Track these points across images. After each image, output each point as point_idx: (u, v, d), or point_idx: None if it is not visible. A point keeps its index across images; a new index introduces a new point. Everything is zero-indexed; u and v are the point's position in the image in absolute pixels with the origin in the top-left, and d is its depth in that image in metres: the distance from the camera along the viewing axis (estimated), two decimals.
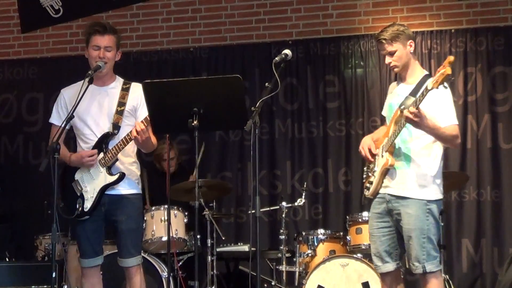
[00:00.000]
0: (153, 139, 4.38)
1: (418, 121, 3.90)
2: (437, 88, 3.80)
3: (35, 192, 6.74)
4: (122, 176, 4.30)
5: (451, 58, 3.80)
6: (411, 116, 3.88)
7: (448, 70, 3.74)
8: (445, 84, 3.80)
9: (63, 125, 4.09)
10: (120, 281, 4.65)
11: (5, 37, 7.56)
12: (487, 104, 6.57)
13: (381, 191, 4.23)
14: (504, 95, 6.57)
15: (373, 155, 4.27)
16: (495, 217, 6.46)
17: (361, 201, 4.50)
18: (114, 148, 4.27)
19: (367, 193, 4.31)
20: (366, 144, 4.32)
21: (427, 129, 3.99)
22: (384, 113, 4.48)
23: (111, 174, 4.30)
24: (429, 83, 3.86)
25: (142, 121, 4.16)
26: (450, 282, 5.52)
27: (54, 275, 3.92)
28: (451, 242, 6.41)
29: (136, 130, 4.13)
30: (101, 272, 4.53)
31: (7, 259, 6.28)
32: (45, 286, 5.65)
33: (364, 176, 4.40)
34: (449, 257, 6.26)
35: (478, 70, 6.60)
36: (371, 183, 4.27)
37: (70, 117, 4.08)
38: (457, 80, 6.59)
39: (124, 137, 4.25)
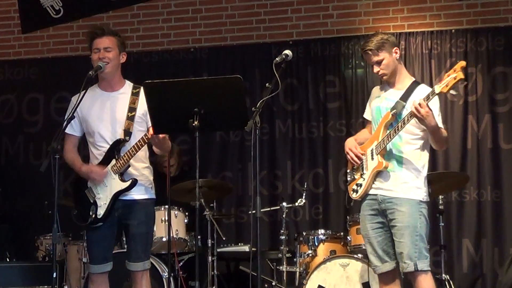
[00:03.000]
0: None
1: (425, 115, 3.93)
2: (445, 92, 3.84)
3: (36, 192, 6.74)
4: (134, 182, 4.30)
5: (463, 63, 3.86)
6: (419, 108, 3.92)
7: (461, 75, 3.78)
8: (455, 89, 3.85)
9: (63, 127, 4.10)
10: (121, 281, 4.66)
11: (6, 38, 7.56)
12: (487, 104, 6.57)
13: (372, 192, 4.27)
14: (504, 95, 6.57)
15: (359, 158, 4.30)
16: (495, 217, 6.45)
17: (346, 205, 4.52)
18: (126, 155, 4.27)
19: (355, 195, 4.35)
20: (352, 145, 4.36)
21: (431, 125, 4.02)
22: (367, 116, 4.52)
23: (123, 180, 4.30)
24: (437, 87, 3.92)
25: None
26: (451, 282, 5.53)
27: (54, 275, 3.94)
28: (452, 242, 6.41)
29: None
30: None
31: (8, 259, 6.28)
32: (46, 287, 5.65)
33: (349, 178, 4.41)
34: (449, 257, 6.26)
35: (478, 70, 6.60)
36: (359, 185, 4.30)
37: (70, 118, 4.09)
38: None
39: (136, 143, 4.25)
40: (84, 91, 4.10)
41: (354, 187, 4.35)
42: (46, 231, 5.93)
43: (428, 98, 3.94)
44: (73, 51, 7.36)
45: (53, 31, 7.47)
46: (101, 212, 4.30)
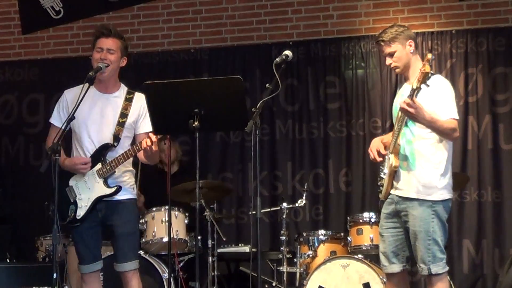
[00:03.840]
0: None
1: (413, 112, 3.89)
2: (419, 87, 3.83)
3: (36, 193, 6.73)
4: (118, 190, 4.30)
5: (429, 55, 3.86)
6: (405, 107, 3.88)
7: (427, 68, 3.78)
8: (427, 83, 3.81)
9: (63, 127, 4.07)
10: (120, 283, 4.64)
11: (6, 38, 7.57)
12: (487, 105, 6.57)
13: (392, 191, 4.24)
14: (505, 95, 6.57)
15: (383, 157, 4.28)
16: (496, 218, 6.45)
17: (378, 204, 4.51)
18: (114, 161, 4.26)
19: (380, 195, 4.34)
20: (374, 146, 4.35)
21: (423, 121, 3.97)
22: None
23: (108, 186, 4.29)
24: (414, 82, 3.88)
25: (150, 135, 4.13)
26: (451, 282, 5.53)
27: (55, 276, 3.93)
28: (452, 242, 6.40)
29: (146, 143, 4.10)
30: (101, 273, 4.53)
31: (8, 260, 6.28)
32: None
33: (378, 179, 4.41)
34: (450, 257, 6.23)
35: (478, 71, 6.60)
36: (381, 185, 4.29)
37: (70, 119, 4.08)
38: (458, 81, 6.59)
39: (126, 152, 4.25)
40: (84, 92, 4.09)
41: (380, 187, 4.34)
42: (46, 232, 5.92)
43: (411, 95, 3.89)
44: (73, 52, 7.36)
45: (53, 32, 7.47)
46: (81, 213, 4.29)
